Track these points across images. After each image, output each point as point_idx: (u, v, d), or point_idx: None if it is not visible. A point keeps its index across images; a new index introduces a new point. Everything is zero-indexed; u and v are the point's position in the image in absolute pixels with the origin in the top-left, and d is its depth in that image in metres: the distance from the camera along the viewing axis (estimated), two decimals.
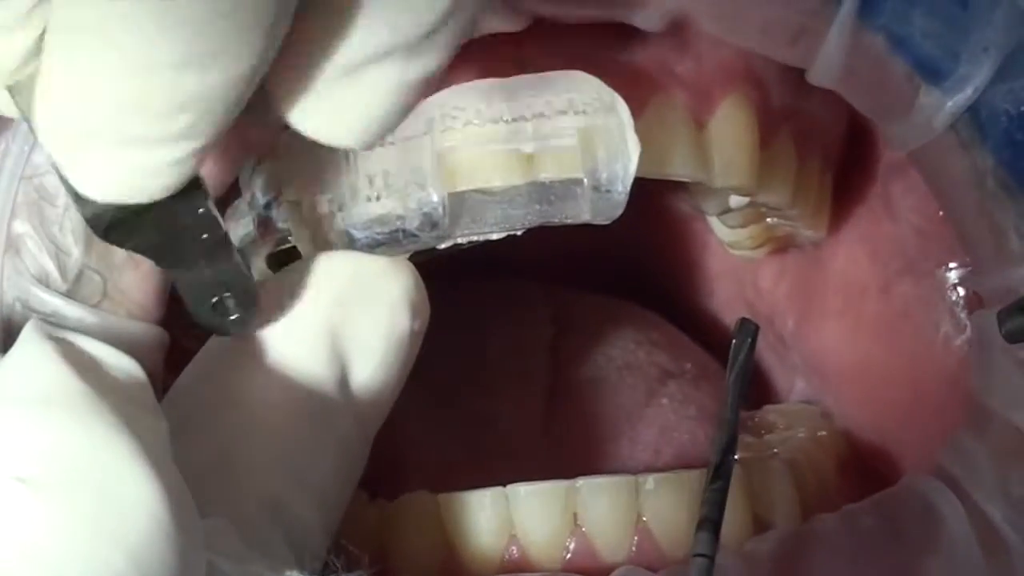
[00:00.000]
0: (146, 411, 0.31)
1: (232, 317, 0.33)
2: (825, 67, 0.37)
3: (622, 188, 0.37)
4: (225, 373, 0.35)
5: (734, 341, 0.38)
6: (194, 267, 0.32)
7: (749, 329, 0.38)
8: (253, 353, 0.34)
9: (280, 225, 0.38)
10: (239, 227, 0.39)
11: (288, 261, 0.39)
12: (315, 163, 0.38)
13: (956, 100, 0.35)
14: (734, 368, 0.38)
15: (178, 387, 0.36)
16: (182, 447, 0.31)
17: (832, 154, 0.47)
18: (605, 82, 0.38)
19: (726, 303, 0.61)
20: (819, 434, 0.50)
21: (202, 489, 0.30)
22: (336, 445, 0.35)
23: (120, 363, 0.31)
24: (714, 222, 0.54)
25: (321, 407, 0.34)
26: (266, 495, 0.33)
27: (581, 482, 0.42)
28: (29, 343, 0.31)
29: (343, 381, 0.35)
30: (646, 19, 0.38)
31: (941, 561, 0.37)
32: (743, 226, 0.51)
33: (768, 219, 0.51)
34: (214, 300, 0.33)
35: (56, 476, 0.27)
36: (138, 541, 0.27)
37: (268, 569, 0.30)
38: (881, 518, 0.38)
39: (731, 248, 0.55)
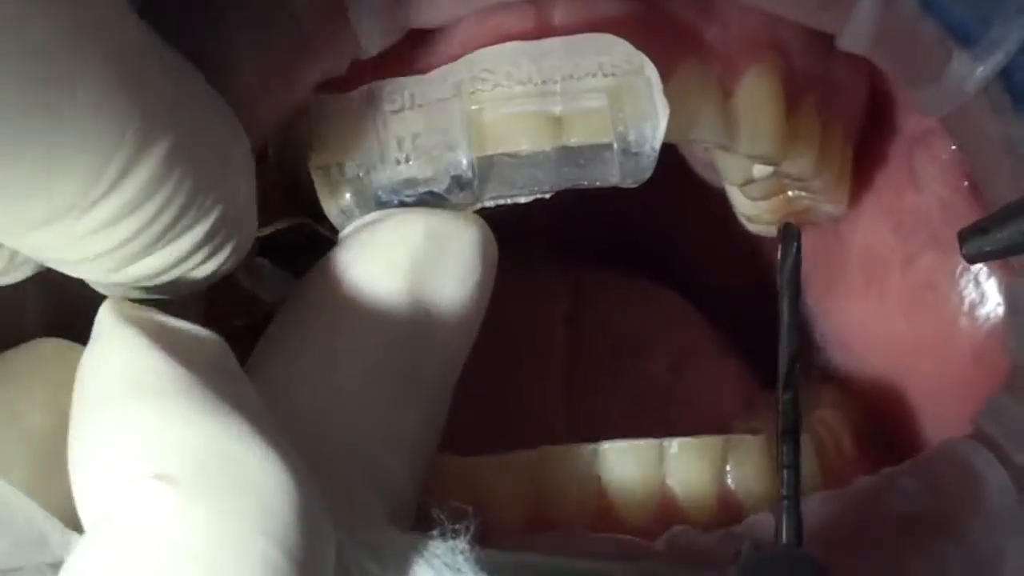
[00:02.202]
0: (241, 382, 0.31)
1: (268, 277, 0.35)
2: (856, 32, 0.37)
3: (651, 150, 0.37)
4: (307, 336, 0.35)
5: (780, 247, 0.39)
6: None
7: (793, 234, 0.39)
8: (335, 316, 0.35)
9: (307, 191, 0.38)
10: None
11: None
12: (344, 127, 0.38)
13: (988, 64, 0.35)
14: (783, 274, 0.38)
15: (259, 352, 0.36)
16: (274, 412, 0.31)
17: (854, 125, 0.47)
18: (633, 45, 0.38)
19: (744, 281, 0.61)
20: (839, 409, 0.50)
21: (300, 454, 0.30)
22: (424, 397, 0.36)
23: (200, 334, 0.32)
24: (734, 195, 0.54)
25: (407, 362, 0.35)
26: (364, 456, 0.33)
27: (606, 445, 0.42)
28: (113, 330, 0.31)
29: (425, 334, 0.36)
30: None
31: (981, 518, 0.37)
32: (765, 198, 0.51)
33: (789, 192, 0.50)
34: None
35: (194, 471, 0.27)
36: (283, 526, 0.27)
37: (375, 534, 0.31)
38: (921, 478, 0.38)
39: (750, 222, 0.55)
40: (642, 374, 0.58)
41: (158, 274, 0.32)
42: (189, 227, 0.31)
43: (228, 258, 0.33)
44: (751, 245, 0.59)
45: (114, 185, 0.28)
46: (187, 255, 0.32)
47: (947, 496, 0.37)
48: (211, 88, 0.33)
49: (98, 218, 0.29)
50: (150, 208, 0.29)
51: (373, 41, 0.37)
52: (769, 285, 0.59)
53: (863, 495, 0.38)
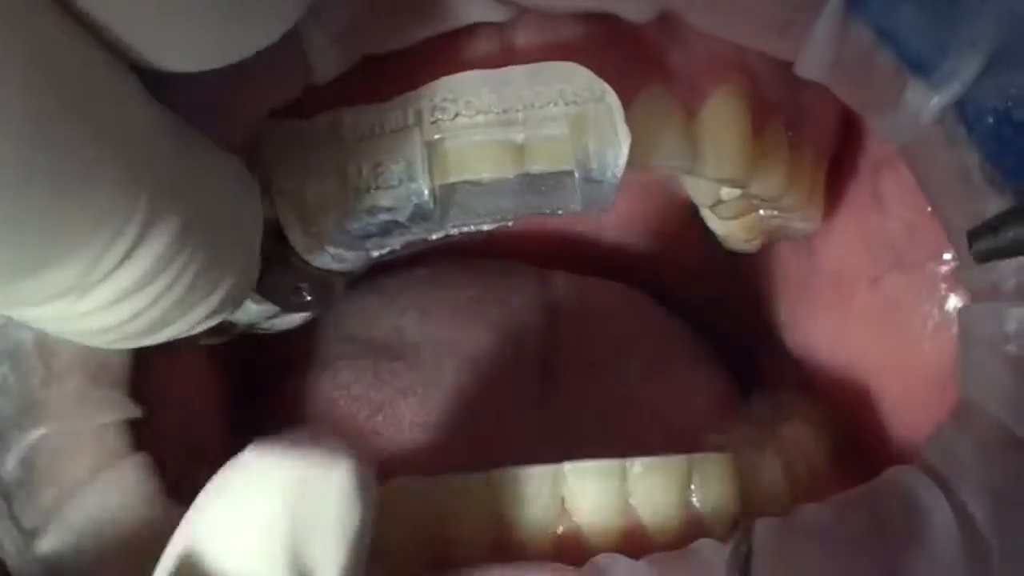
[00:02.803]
0: None
1: (308, 299, 0.39)
2: (812, 59, 0.37)
3: (613, 177, 0.37)
4: None
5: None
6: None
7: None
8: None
9: (271, 215, 0.38)
10: None
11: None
12: (305, 154, 0.38)
13: (943, 95, 0.35)
14: None
15: None
16: None
17: (825, 146, 0.47)
18: (595, 72, 0.38)
19: (717, 293, 0.61)
20: (810, 423, 0.50)
21: None
22: None
23: None
24: (706, 215, 0.54)
25: None
26: None
27: (567, 466, 0.42)
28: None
29: None
30: (635, 10, 0.38)
31: (924, 555, 0.37)
32: (735, 218, 0.51)
33: (761, 211, 0.51)
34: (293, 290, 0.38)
35: None
36: None
37: None
38: (867, 510, 0.38)
39: (725, 242, 0.56)
40: (615, 383, 0.58)
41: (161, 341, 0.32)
42: (197, 303, 0.30)
43: (228, 312, 0.33)
44: (726, 259, 0.59)
45: (118, 266, 0.27)
46: (193, 328, 0.31)
47: (891, 529, 0.37)
48: (226, 155, 0.32)
49: (100, 299, 0.28)
50: (156, 287, 0.29)
51: (327, 67, 0.37)
52: (745, 299, 0.60)
53: (810, 530, 0.38)
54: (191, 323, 0.31)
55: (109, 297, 0.28)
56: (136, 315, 0.29)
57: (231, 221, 0.32)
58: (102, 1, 0.25)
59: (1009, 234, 0.35)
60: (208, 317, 0.32)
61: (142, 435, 0.42)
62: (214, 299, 0.31)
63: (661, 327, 0.62)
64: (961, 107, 0.36)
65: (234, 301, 0.33)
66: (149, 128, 0.28)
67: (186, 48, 0.28)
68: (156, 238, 0.28)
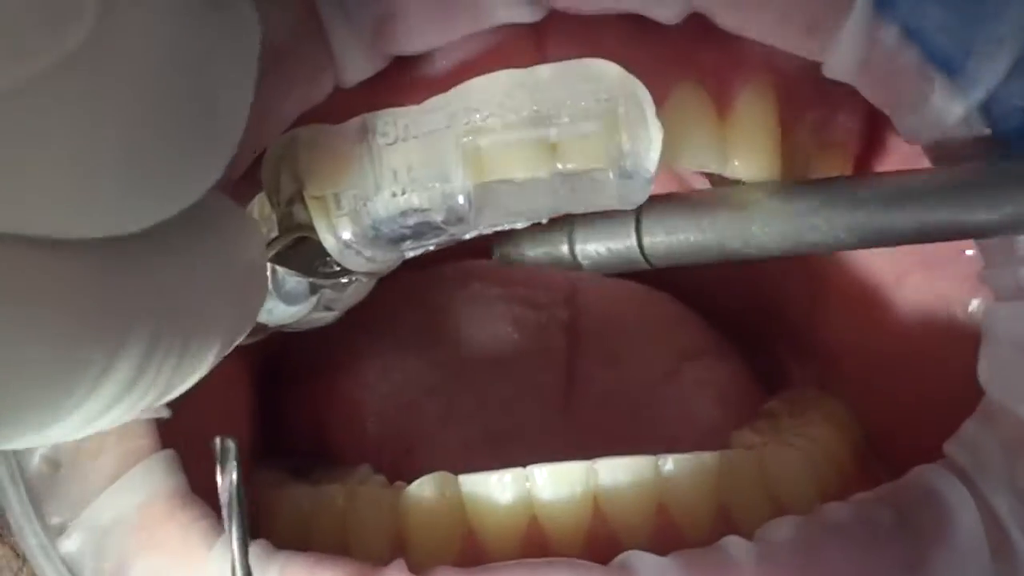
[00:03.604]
0: None
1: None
2: (840, 60, 0.38)
3: (647, 174, 0.37)
4: None
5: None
6: None
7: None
8: None
9: (302, 220, 0.39)
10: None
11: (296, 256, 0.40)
12: (338, 159, 0.38)
13: (969, 94, 0.36)
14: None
15: None
16: None
17: (852, 146, 0.47)
18: (627, 70, 0.38)
19: (741, 292, 0.62)
20: (835, 422, 0.50)
21: None
22: None
23: None
24: None
25: None
26: None
27: (600, 463, 0.42)
28: None
29: None
30: (663, 11, 0.39)
31: (949, 553, 0.37)
32: None
33: None
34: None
35: None
36: None
37: None
38: (892, 508, 0.38)
39: None
40: (640, 380, 0.59)
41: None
42: (191, 374, 0.30)
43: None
44: None
45: (87, 396, 0.26)
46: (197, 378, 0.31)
47: (916, 526, 0.38)
48: (214, 214, 0.31)
49: (68, 427, 0.27)
50: (141, 387, 0.28)
51: (355, 69, 0.37)
52: (767, 298, 0.60)
53: (834, 526, 0.38)
54: (194, 381, 0.31)
55: (79, 423, 0.27)
56: (130, 408, 0.29)
57: (213, 297, 0.31)
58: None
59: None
60: (211, 365, 0.32)
61: (167, 433, 0.42)
62: (209, 359, 0.31)
63: (685, 326, 0.62)
64: (987, 107, 0.36)
65: (235, 342, 0.33)
66: (95, 287, 0.26)
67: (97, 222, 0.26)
68: (125, 359, 0.27)
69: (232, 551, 0.36)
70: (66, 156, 0.24)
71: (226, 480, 0.36)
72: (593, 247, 0.43)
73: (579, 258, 0.44)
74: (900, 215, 0.38)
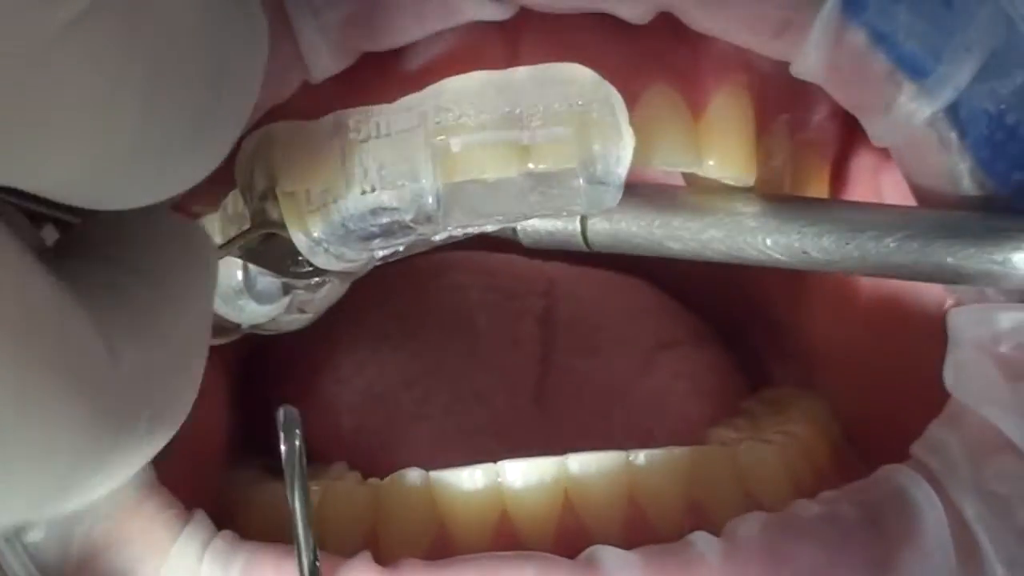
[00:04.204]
0: None
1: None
2: (808, 61, 0.38)
3: (617, 180, 0.37)
4: None
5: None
6: None
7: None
8: None
9: (274, 217, 0.38)
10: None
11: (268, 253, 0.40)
12: (310, 155, 0.38)
13: (936, 99, 0.36)
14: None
15: None
16: None
17: (827, 146, 0.48)
18: (600, 73, 0.38)
19: (718, 291, 0.62)
20: (814, 420, 0.50)
21: None
22: None
23: None
24: None
25: None
26: None
27: (572, 458, 0.42)
28: None
29: None
30: (632, 11, 0.39)
31: (916, 553, 0.37)
32: None
33: None
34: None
35: None
36: None
37: None
38: (859, 507, 0.39)
39: None
40: (616, 371, 0.59)
41: None
42: (178, 417, 0.30)
43: None
44: None
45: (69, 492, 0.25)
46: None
47: (883, 525, 0.38)
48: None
49: (53, 510, 0.26)
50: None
51: (323, 64, 0.37)
52: (745, 294, 0.60)
53: (800, 523, 0.39)
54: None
55: (109, 478, 0.27)
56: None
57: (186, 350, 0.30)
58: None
59: None
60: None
61: None
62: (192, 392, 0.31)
63: (662, 315, 0.62)
64: (954, 111, 0.36)
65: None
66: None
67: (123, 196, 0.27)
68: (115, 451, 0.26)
69: (295, 518, 0.37)
70: (90, 104, 0.23)
71: (289, 448, 0.36)
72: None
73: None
74: (854, 247, 0.39)
